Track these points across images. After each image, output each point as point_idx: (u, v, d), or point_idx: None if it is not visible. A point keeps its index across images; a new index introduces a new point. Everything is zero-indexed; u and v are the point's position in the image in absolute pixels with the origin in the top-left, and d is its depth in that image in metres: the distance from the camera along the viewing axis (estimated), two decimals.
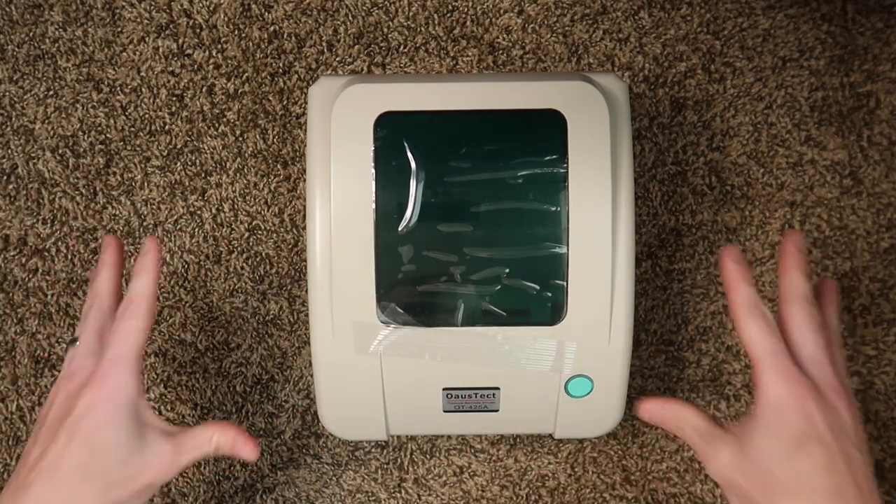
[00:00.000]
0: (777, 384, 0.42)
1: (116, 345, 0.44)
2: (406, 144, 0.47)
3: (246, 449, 0.45)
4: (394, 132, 0.47)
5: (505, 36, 0.60)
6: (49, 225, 0.60)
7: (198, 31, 0.60)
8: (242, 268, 0.60)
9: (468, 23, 0.60)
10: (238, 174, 0.60)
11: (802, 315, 0.44)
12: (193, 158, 0.60)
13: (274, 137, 0.60)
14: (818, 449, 0.40)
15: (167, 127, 0.60)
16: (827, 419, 0.41)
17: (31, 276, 0.60)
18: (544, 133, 0.48)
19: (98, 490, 0.41)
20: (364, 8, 0.60)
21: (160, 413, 0.59)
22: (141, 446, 0.43)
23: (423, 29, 0.60)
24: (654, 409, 0.46)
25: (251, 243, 0.60)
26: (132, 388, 0.43)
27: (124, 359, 0.43)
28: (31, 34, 0.60)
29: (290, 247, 0.60)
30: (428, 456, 0.60)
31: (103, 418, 0.42)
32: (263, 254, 0.60)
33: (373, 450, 0.60)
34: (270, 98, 0.60)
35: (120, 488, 0.42)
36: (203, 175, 0.60)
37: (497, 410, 0.51)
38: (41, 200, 0.60)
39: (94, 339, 0.45)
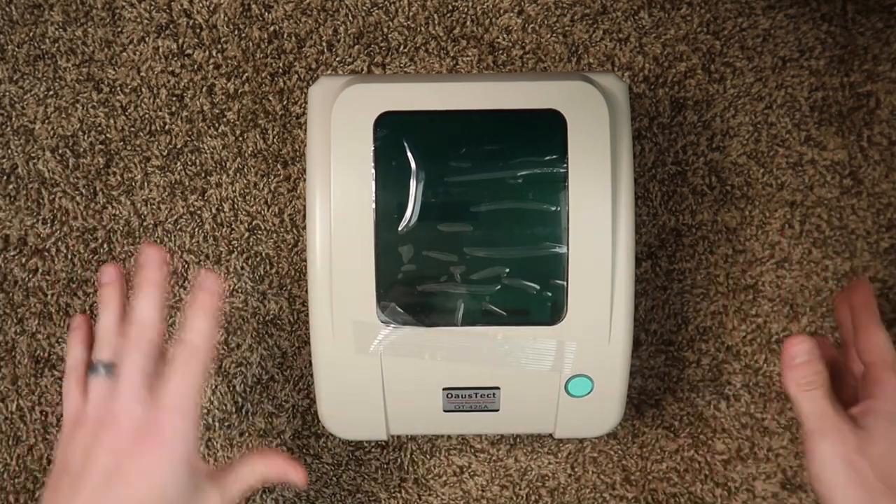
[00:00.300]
0: None
1: (174, 395, 0.41)
2: (406, 144, 0.47)
3: (292, 474, 0.43)
4: (394, 132, 0.47)
5: (505, 36, 0.60)
6: (49, 225, 0.60)
7: (198, 31, 0.60)
8: (242, 268, 0.60)
9: (468, 23, 0.60)
10: (238, 174, 0.60)
11: None
12: (193, 158, 0.60)
13: (274, 137, 0.60)
14: None
15: (167, 127, 0.60)
16: None
17: (31, 276, 0.60)
18: (544, 133, 0.48)
19: None
20: (364, 8, 0.60)
21: None
22: (194, 501, 0.40)
23: (423, 29, 0.60)
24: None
25: (251, 243, 0.60)
26: (193, 441, 0.40)
27: (186, 410, 0.40)
28: (31, 34, 0.60)
29: (290, 247, 0.60)
30: (428, 456, 0.60)
31: (160, 478, 0.39)
32: (263, 254, 0.60)
33: (373, 450, 0.60)
34: (270, 98, 0.60)
35: None
36: (203, 175, 0.60)
37: (497, 410, 0.51)
38: (41, 200, 0.60)
39: (140, 381, 0.41)
